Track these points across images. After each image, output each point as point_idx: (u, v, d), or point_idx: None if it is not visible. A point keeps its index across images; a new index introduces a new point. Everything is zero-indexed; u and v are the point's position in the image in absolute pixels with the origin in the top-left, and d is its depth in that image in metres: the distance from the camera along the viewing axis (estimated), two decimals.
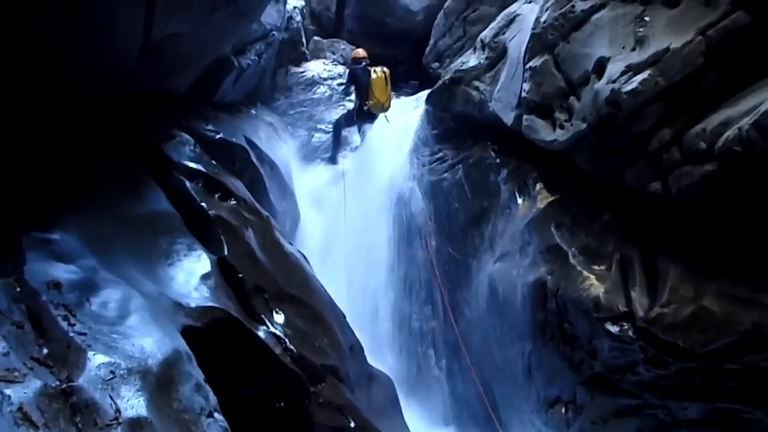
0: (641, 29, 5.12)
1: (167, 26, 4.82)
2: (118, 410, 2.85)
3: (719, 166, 4.39)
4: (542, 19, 6.26)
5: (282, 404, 4.42)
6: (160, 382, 3.19)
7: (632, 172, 5.20)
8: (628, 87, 4.92)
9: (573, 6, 5.90)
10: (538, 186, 6.67)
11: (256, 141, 8.03)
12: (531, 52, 6.42)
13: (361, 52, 10.44)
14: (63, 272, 3.56)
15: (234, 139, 7.23)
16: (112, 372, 3.01)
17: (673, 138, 4.84)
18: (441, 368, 8.08)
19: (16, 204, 3.85)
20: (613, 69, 5.17)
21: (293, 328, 4.80)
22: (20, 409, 2.55)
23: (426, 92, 9.50)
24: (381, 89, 9.83)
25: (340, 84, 11.38)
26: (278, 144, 9.28)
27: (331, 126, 10.63)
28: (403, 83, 12.16)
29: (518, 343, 6.44)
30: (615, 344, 5.16)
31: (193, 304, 4.16)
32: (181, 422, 3.13)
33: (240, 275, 4.79)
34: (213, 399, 3.45)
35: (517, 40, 7.23)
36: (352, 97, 10.45)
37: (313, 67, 12.06)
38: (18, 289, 3.26)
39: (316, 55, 12.88)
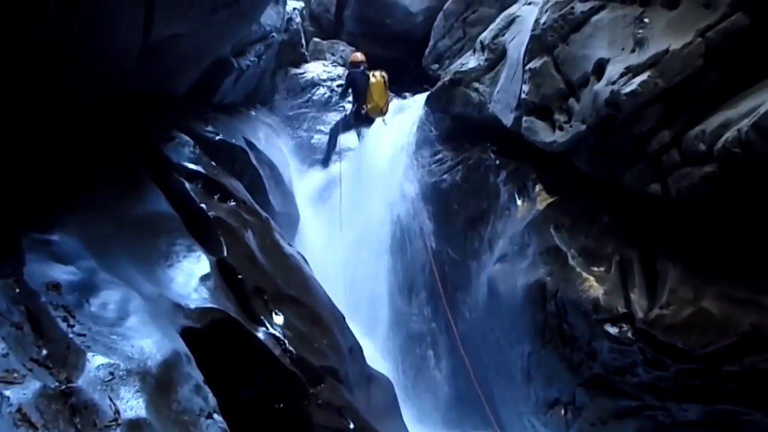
0: (640, 31, 5.13)
1: (167, 27, 4.82)
2: (117, 411, 2.85)
3: (719, 167, 4.39)
4: (542, 21, 6.26)
5: (281, 405, 4.41)
6: (160, 383, 3.19)
7: (632, 173, 5.20)
8: (628, 88, 4.92)
9: (572, 8, 5.90)
10: (538, 187, 6.67)
11: (256, 142, 8.04)
12: (530, 53, 6.42)
13: (359, 56, 10.44)
14: (62, 273, 3.56)
15: (233, 141, 7.24)
16: (111, 373, 3.01)
17: (673, 139, 4.84)
18: (440, 370, 8.08)
19: (16, 205, 3.85)
20: (613, 70, 5.17)
21: (293, 330, 4.80)
22: (19, 410, 2.54)
23: (425, 93, 9.51)
24: (380, 93, 9.84)
25: (340, 85, 11.39)
26: (278, 145, 9.29)
27: (330, 126, 10.63)
28: (414, 85, 12.07)
29: (517, 344, 6.44)
30: (614, 346, 5.16)
31: (192, 306, 4.16)
32: (181, 423, 3.13)
33: (239, 276, 4.79)
34: (212, 400, 3.45)
35: (517, 42, 7.23)
36: (350, 99, 10.47)
37: (313, 69, 12.08)
38: (17, 290, 3.26)
39: (316, 56, 12.90)
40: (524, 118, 6.46)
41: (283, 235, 6.14)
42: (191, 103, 7.04)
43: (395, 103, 10.65)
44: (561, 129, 5.90)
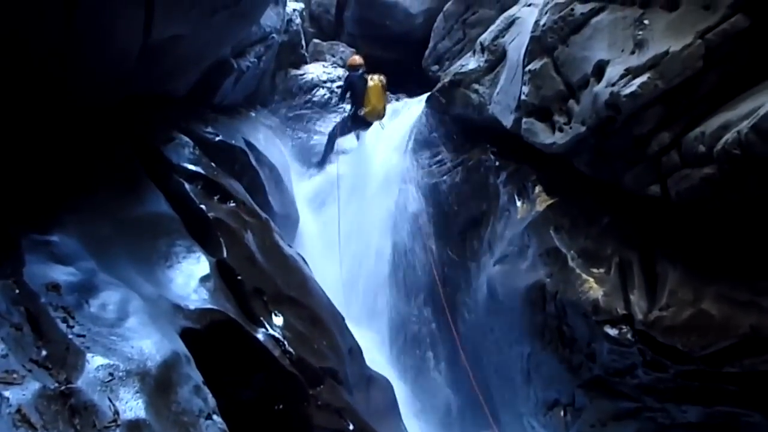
0: (640, 32, 5.13)
1: (167, 28, 4.82)
2: (116, 412, 2.85)
3: (718, 169, 4.39)
4: (541, 23, 6.26)
5: (281, 406, 4.41)
6: (159, 384, 3.19)
7: (631, 175, 5.20)
8: (628, 90, 4.92)
9: (572, 9, 5.90)
10: (537, 189, 6.67)
11: (256, 143, 8.04)
12: (530, 55, 6.42)
13: (357, 59, 10.46)
14: (62, 274, 3.56)
15: (233, 142, 7.24)
16: (110, 374, 3.01)
17: (673, 141, 4.84)
18: (440, 371, 8.08)
19: (16, 206, 3.85)
20: (613, 72, 5.17)
21: (292, 331, 4.80)
22: (19, 410, 2.55)
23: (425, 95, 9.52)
24: (377, 97, 9.86)
25: (340, 87, 11.40)
26: (277, 146, 9.29)
27: (330, 127, 10.64)
28: (414, 87, 12.05)
29: (517, 345, 6.44)
30: (614, 347, 5.16)
31: (192, 306, 4.16)
32: (180, 424, 3.13)
33: (239, 277, 4.79)
34: (212, 401, 3.45)
35: (517, 43, 7.24)
36: (349, 101, 10.48)
37: (313, 70, 12.09)
38: (17, 291, 3.27)
39: (316, 57, 12.92)
40: (524, 120, 6.46)
41: (283, 236, 6.15)
42: (191, 104, 7.05)
43: (390, 105, 10.65)
44: (561, 130, 5.90)
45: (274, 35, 9.28)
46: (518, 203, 6.83)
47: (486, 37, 8.14)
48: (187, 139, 6.00)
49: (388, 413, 6.08)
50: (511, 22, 7.82)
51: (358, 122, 10.08)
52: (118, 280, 3.81)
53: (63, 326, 3.17)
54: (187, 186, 5.36)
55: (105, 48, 4.35)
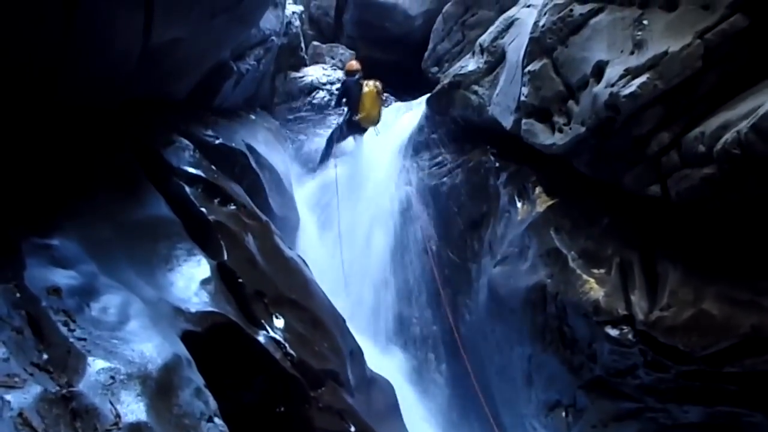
0: (639, 33, 5.14)
1: (167, 31, 4.83)
2: (118, 415, 2.85)
3: (718, 169, 4.40)
4: (541, 24, 6.27)
5: (282, 409, 4.41)
6: (160, 387, 3.19)
7: (631, 175, 5.21)
8: (627, 90, 4.93)
9: (571, 10, 5.91)
10: (538, 190, 6.68)
11: (256, 146, 8.02)
12: (530, 56, 6.43)
13: (354, 64, 10.44)
14: (63, 278, 3.56)
15: (233, 144, 7.22)
16: (112, 377, 3.02)
17: (672, 141, 4.84)
18: (441, 372, 8.08)
19: (16, 209, 3.84)
20: (612, 73, 5.18)
21: (293, 333, 4.79)
22: (20, 414, 2.55)
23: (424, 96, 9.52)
24: (372, 103, 9.81)
25: (339, 89, 11.40)
26: (277, 149, 9.28)
27: (330, 130, 10.64)
28: (413, 89, 12.03)
29: (518, 346, 6.44)
30: (615, 348, 5.16)
31: (192, 309, 4.16)
32: (181, 427, 3.13)
33: (240, 280, 4.79)
34: (213, 404, 3.45)
35: (516, 44, 7.25)
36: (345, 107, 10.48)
37: (312, 72, 12.11)
38: (18, 295, 3.26)
39: (315, 60, 12.94)
40: (524, 121, 6.47)
41: (283, 238, 6.14)
42: (191, 107, 7.03)
43: (391, 106, 10.65)
44: (560, 131, 5.90)
45: (273, 38, 9.28)
46: (518, 204, 6.84)
47: (485, 38, 8.15)
48: (187, 142, 5.99)
49: (390, 415, 6.08)
50: (511, 24, 7.84)
51: (352, 128, 10.06)
52: (118, 284, 3.81)
53: (64, 330, 3.17)
54: (187, 189, 5.35)
55: (105, 51, 4.35)
